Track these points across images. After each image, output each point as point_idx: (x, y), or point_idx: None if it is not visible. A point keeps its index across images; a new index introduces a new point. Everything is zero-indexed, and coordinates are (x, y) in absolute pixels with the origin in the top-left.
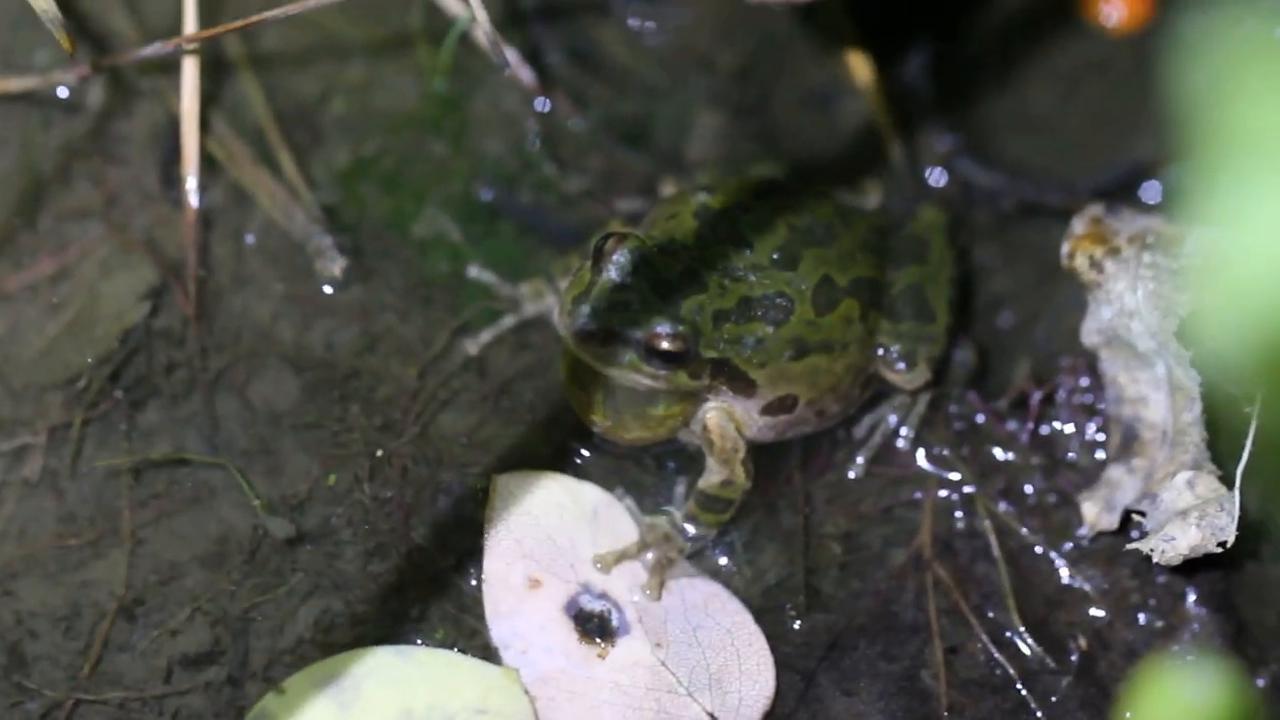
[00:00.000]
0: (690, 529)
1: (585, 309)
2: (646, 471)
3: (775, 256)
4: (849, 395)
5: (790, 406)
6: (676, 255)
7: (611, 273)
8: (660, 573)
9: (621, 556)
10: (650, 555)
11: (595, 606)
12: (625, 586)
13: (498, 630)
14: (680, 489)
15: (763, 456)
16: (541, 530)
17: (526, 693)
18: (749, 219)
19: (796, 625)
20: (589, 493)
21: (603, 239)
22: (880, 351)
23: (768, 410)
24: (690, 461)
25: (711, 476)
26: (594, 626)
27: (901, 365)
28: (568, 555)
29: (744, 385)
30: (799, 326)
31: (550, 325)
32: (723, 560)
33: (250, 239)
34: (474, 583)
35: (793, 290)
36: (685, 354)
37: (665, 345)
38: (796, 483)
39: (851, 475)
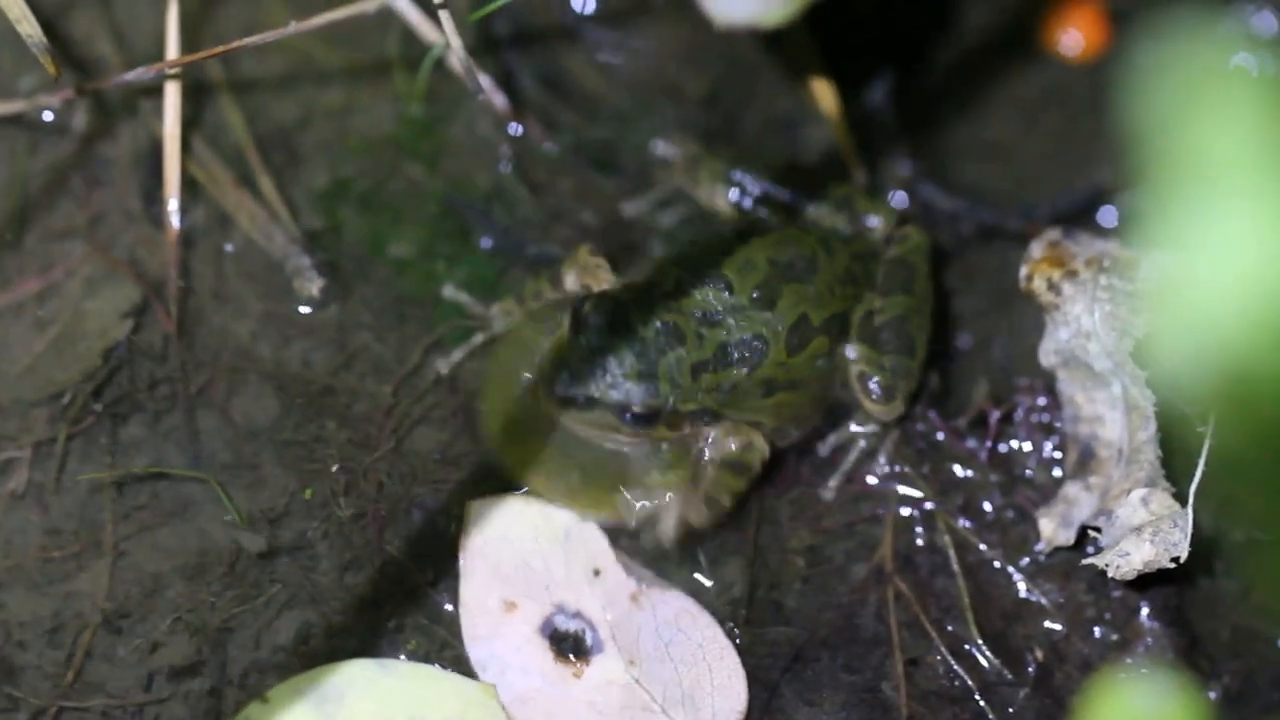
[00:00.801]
0: (706, 493)
1: (565, 375)
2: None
3: (755, 295)
4: (809, 420)
5: (755, 429)
6: (654, 309)
7: (591, 338)
8: (682, 522)
9: (656, 512)
10: (670, 500)
11: (570, 626)
12: (599, 605)
13: (475, 653)
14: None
15: None
16: (515, 553)
17: (504, 709)
18: (728, 257)
19: (760, 637)
20: (560, 514)
21: (581, 301)
22: (859, 378)
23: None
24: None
25: (728, 444)
26: (569, 646)
27: (879, 395)
28: (541, 577)
29: (712, 418)
30: (771, 368)
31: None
32: (690, 574)
33: (230, 259)
34: (449, 600)
35: (769, 331)
36: (659, 414)
37: (639, 410)
38: (759, 497)
39: (824, 496)
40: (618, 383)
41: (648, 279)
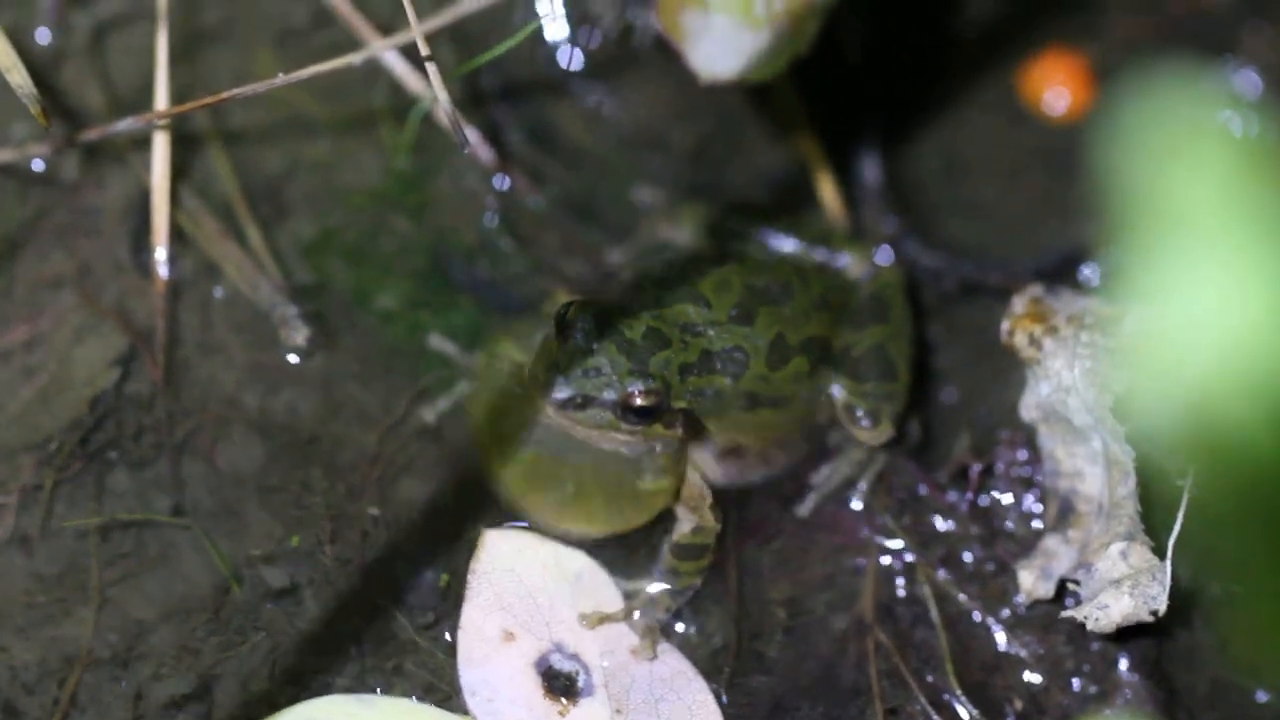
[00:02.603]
0: (672, 585)
1: (559, 379)
2: (618, 540)
3: (732, 313)
4: (794, 445)
5: (740, 454)
6: (638, 316)
7: (578, 340)
8: (651, 634)
9: (607, 618)
10: (639, 618)
11: (565, 666)
12: (597, 651)
13: (468, 676)
14: (658, 546)
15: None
16: (523, 586)
17: None
18: (706, 278)
19: (741, 686)
20: (574, 557)
21: (564, 308)
22: (845, 410)
23: (723, 455)
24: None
25: (682, 526)
26: (560, 685)
27: (866, 422)
28: (545, 613)
29: (700, 433)
30: (752, 381)
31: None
32: (672, 624)
33: (218, 308)
34: (436, 643)
35: (749, 345)
36: (659, 407)
37: (640, 402)
38: (741, 548)
39: (799, 514)
40: (614, 381)
41: (627, 293)
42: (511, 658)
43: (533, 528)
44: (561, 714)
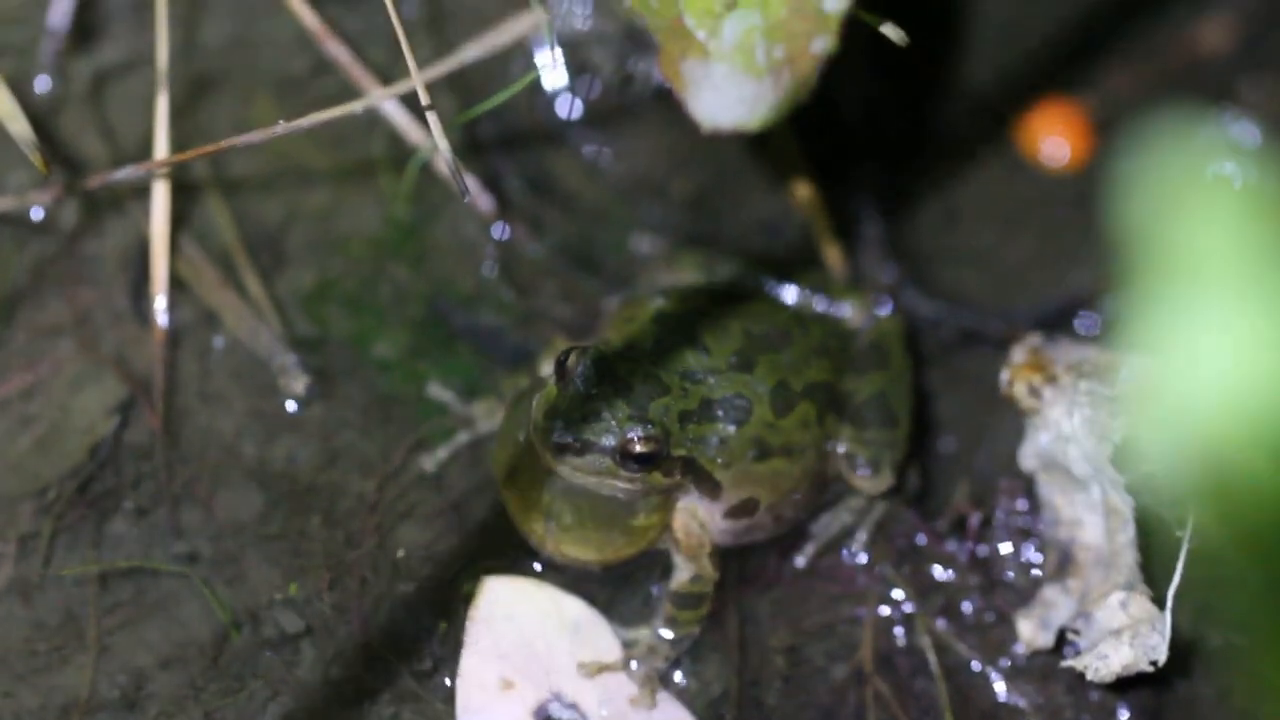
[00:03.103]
0: (671, 633)
1: (559, 423)
2: (616, 587)
3: (732, 360)
4: (806, 500)
5: (752, 510)
6: (637, 362)
7: (578, 385)
8: (650, 684)
9: (605, 668)
10: (637, 667)
11: (563, 715)
12: (596, 700)
13: None
14: (656, 594)
15: None
16: (521, 635)
17: None
18: (705, 325)
19: None
20: (573, 605)
21: (565, 354)
22: (845, 458)
23: (730, 514)
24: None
25: (680, 575)
26: None
27: (866, 471)
28: (544, 662)
29: (710, 487)
30: (759, 427)
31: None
32: (671, 673)
33: (216, 357)
34: (434, 693)
35: (750, 392)
36: (658, 454)
37: (639, 449)
38: (740, 596)
39: (797, 564)
40: (613, 427)
41: (626, 339)
42: (510, 706)
43: (524, 563)
44: None
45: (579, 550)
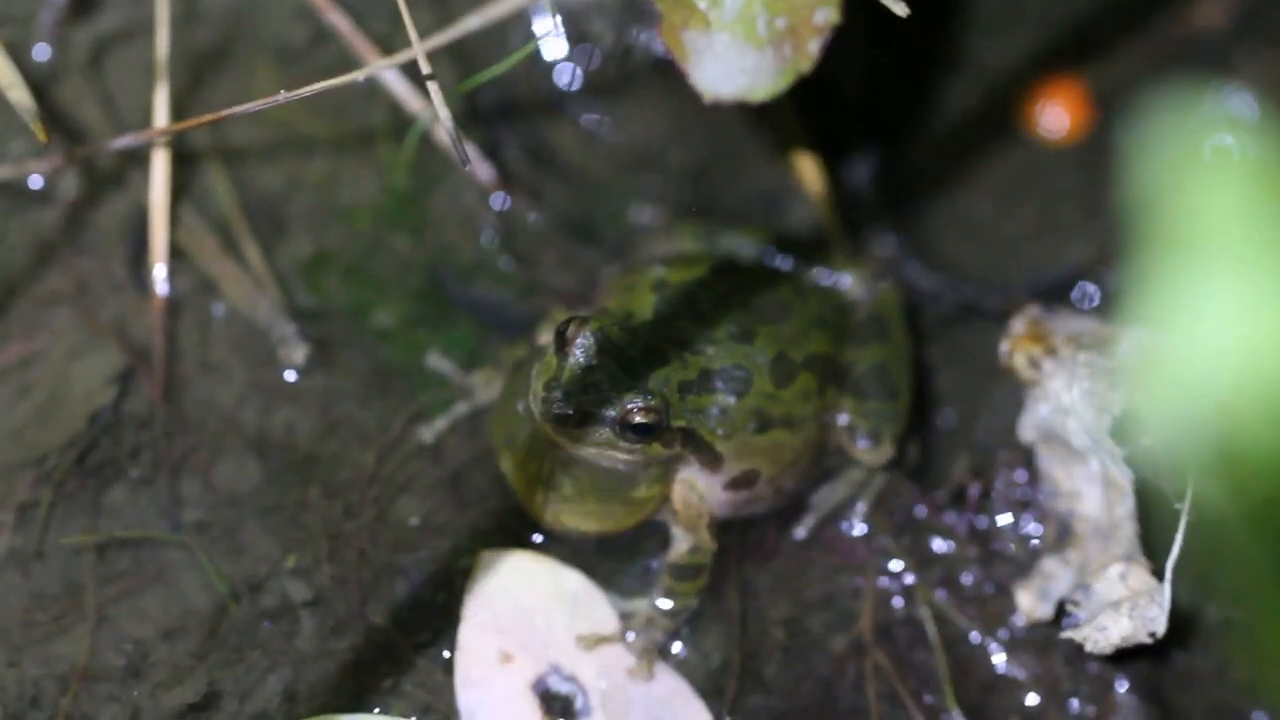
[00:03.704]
0: (669, 604)
1: (558, 394)
2: (615, 559)
3: (732, 330)
4: (805, 472)
5: (752, 482)
6: (636, 333)
7: (578, 356)
8: (648, 655)
9: (604, 640)
10: (635, 639)
11: (562, 688)
12: (594, 672)
13: (465, 698)
14: (655, 566)
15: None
16: (519, 608)
17: None
18: (705, 295)
19: (739, 706)
20: (571, 577)
21: (564, 324)
22: (846, 430)
23: (731, 485)
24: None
25: (679, 546)
26: (558, 707)
27: (866, 443)
28: (542, 635)
29: (710, 458)
30: (759, 398)
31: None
32: (670, 645)
33: (216, 326)
34: (434, 663)
35: (750, 363)
36: (658, 425)
37: (639, 419)
38: (740, 568)
39: (797, 536)
40: (613, 397)
41: (625, 310)
42: (509, 679)
43: (524, 535)
44: None
45: (578, 521)
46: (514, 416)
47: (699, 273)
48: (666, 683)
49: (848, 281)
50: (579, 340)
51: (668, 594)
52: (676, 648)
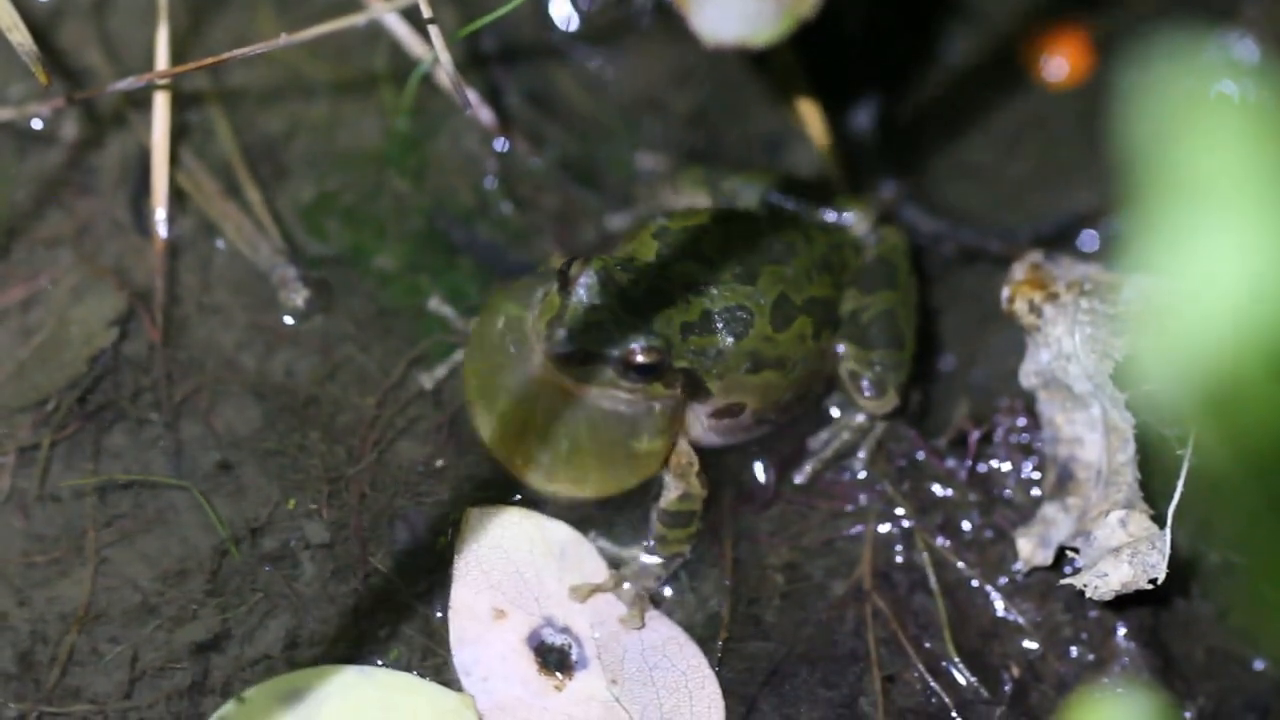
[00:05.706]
0: (661, 554)
1: (561, 333)
2: (608, 508)
3: (736, 271)
4: (791, 408)
5: (737, 413)
6: (640, 273)
7: (581, 295)
8: (640, 604)
9: (596, 589)
10: (628, 587)
11: (556, 640)
12: (588, 623)
13: (460, 656)
14: (650, 516)
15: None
16: (510, 563)
17: (481, 719)
18: (708, 238)
19: (738, 652)
20: (558, 530)
21: (567, 264)
22: (850, 377)
23: (716, 414)
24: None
25: (670, 492)
26: (554, 659)
27: (871, 392)
28: (533, 589)
29: (700, 393)
30: (757, 341)
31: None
32: (667, 590)
33: (216, 269)
34: (433, 610)
35: (752, 304)
36: (661, 365)
37: (641, 359)
38: (738, 514)
39: (798, 481)
40: (615, 336)
41: (629, 250)
42: (504, 635)
43: (521, 490)
44: (558, 688)
45: (571, 486)
46: (494, 365)
47: (702, 217)
48: (661, 630)
49: (852, 219)
50: (582, 278)
51: (659, 541)
52: (676, 593)
